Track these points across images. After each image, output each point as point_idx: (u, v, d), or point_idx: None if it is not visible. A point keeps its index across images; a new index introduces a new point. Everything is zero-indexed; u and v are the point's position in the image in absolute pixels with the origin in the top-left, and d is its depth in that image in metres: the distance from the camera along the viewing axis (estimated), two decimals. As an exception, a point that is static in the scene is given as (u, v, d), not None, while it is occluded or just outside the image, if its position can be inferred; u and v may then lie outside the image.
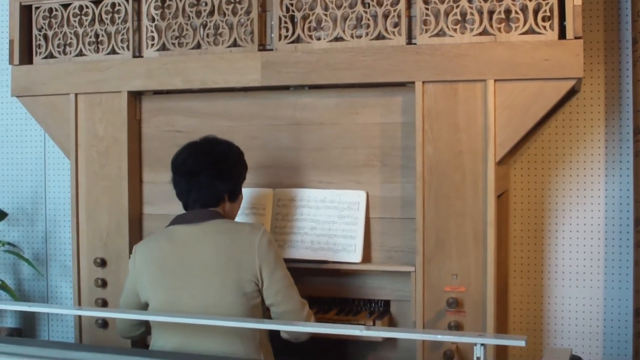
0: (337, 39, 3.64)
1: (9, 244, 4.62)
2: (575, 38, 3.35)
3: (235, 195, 3.39)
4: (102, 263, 3.99)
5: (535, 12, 3.41)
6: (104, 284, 3.99)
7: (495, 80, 3.42)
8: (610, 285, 4.02)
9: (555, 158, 4.07)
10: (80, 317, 4.04)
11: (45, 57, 4.10)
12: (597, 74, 4.01)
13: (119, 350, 3.05)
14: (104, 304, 3.98)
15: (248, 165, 3.47)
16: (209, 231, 3.20)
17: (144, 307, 3.28)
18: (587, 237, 4.04)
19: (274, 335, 3.29)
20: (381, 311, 3.67)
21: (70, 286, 4.81)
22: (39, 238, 4.90)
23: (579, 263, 4.06)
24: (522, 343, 2.58)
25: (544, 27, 3.40)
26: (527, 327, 4.12)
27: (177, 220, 3.29)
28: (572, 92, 3.64)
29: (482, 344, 2.55)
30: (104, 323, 3.98)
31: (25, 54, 4.13)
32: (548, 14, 3.40)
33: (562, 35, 3.39)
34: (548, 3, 3.39)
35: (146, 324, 3.38)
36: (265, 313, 3.24)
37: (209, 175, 3.27)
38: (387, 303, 3.68)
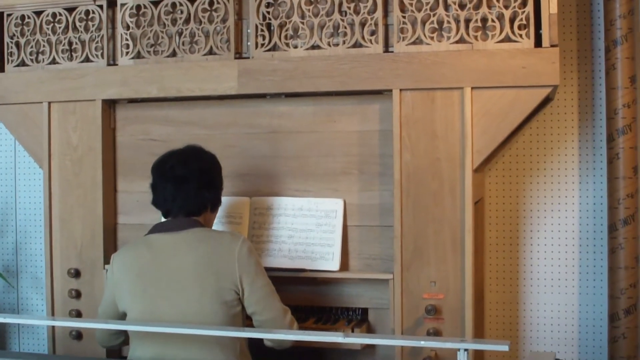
0: (314, 47, 3.65)
1: (-22, 255, 4.58)
2: (551, 46, 3.38)
3: (217, 205, 3.39)
4: (76, 273, 3.95)
5: (512, 21, 3.44)
6: (78, 294, 3.95)
7: (472, 88, 3.44)
8: (585, 291, 4.05)
9: (530, 165, 4.09)
10: (54, 328, 3.99)
11: (17, 65, 4.06)
12: (571, 82, 4.04)
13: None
14: (78, 314, 3.94)
15: (225, 174, 3.46)
16: (188, 240, 3.18)
17: (123, 316, 3.24)
18: (562, 243, 4.06)
19: (253, 343, 3.27)
20: (359, 319, 3.67)
21: (42, 298, 4.76)
22: (9, 249, 4.84)
23: (554, 269, 4.09)
24: (505, 348, 2.59)
25: (520, 35, 3.42)
26: (503, 333, 4.13)
27: (157, 229, 3.27)
28: (546, 100, 3.67)
29: (465, 349, 2.56)
30: (78, 334, 3.94)
31: (-3, 61, 4.10)
32: (524, 22, 3.42)
33: (538, 43, 3.42)
34: (524, 12, 3.42)
35: (125, 333, 3.34)
36: (245, 322, 3.23)
37: (198, 183, 3.26)
38: (364, 311, 3.67)
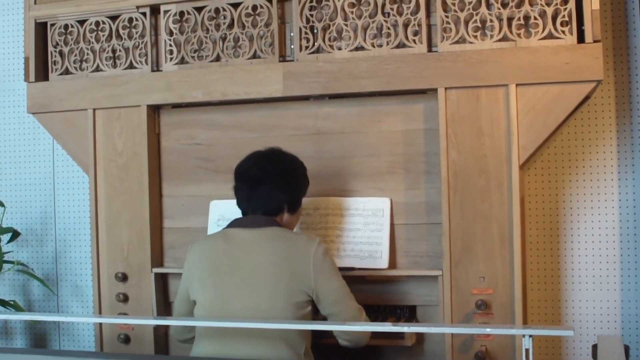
0: (358, 48, 3.69)
1: (20, 263, 4.59)
2: (594, 41, 3.42)
3: (294, 207, 3.41)
4: (124, 277, 3.98)
5: (554, 18, 3.48)
6: (125, 298, 3.98)
7: (517, 85, 3.48)
8: (627, 287, 4.07)
9: (569, 163, 4.12)
10: (101, 332, 4.02)
11: (62, 74, 4.11)
12: (607, 79, 4.07)
13: (145, 358, 3.06)
14: (125, 318, 3.97)
15: None
16: (265, 237, 3.22)
17: (194, 305, 3.29)
18: (603, 240, 4.09)
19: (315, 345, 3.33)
20: (407, 317, 3.70)
21: (83, 306, 4.80)
22: (48, 258, 4.88)
23: (595, 266, 4.11)
24: (570, 333, 2.61)
25: (563, 32, 3.47)
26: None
27: (235, 224, 3.31)
28: (585, 98, 3.71)
29: (530, 335, 2.59)
30: (126, 338, 3.97)
31: (41, 70, 4.15)
32: (566, 19, 3.47)
33: (580, 39, 3.46)
34: (566, 8, 3.47)
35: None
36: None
37: (271, 185, 3.30)
38: (412, 309, 3.70)
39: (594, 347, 2.60)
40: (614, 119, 4.10)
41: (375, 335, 3.53)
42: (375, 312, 3.73)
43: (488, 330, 2.71)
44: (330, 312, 3.22)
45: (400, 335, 3.58)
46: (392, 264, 3.68)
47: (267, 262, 3.16)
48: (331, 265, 3.25)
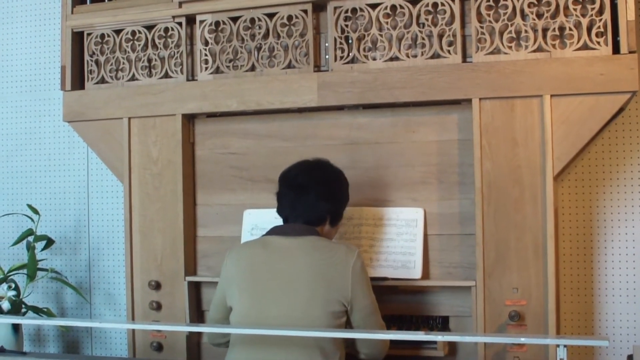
0: (393, 58, 3.70)
1: (54, 271, 4.63)
2: (630, 52, 3.41)
3: (336, 219, 3.43)
4: (157, 286, 4.01)
5: (589, 29, 3.48)
6: (158, 306, 4.01)
7: (551, 96, 3.47)
8: (661, 300, 4.05)
9: (603, 175, 4.10)
10: (134, 339, 4.04)
11: (97, 83, 4.16)
12: (641, 91, 4.06)
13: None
14: (158, 326, 3.99)
15: None
16: (304, 246, 3.23)
17: (230, 312, 3.30)
18: (637, 252, 4.06)
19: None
20: (440, 327, 3.69)
21: (116, 314, 4.82)
22: (82, 266, 4.91)
23: (629, 279, 4.07)
24: (605, 343, 2.62)
25: (598, 43, 3.46)
26: (579, 346, 4.11)
27: (274, 231, 3.33)
28: (619, 110, 3.70)
29: (564, 345, 2.58)
30: (159, 346, 3.99)
31: (77, 79, 4.19)
32: (601, 29, 3.46)
33: (615, 50, 3.45)
34: (601, 19, 3.46)
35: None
36: None
37: (318, 194, 3.32)
38: (445, 320, 3.70)
39: (629, 357, 2.59)
40: (648, 131, 4.08)
41: (407, 345, 3.54)
42: (407, 323, 3.74)
43: (522, 340, 2.71)
44: (357, 325, 3.23)
45: (432, 346, 3.58)
46: (425, 274, 3.68)
47: (305, 270, 3.17)
48: (367, 278, 3.27)
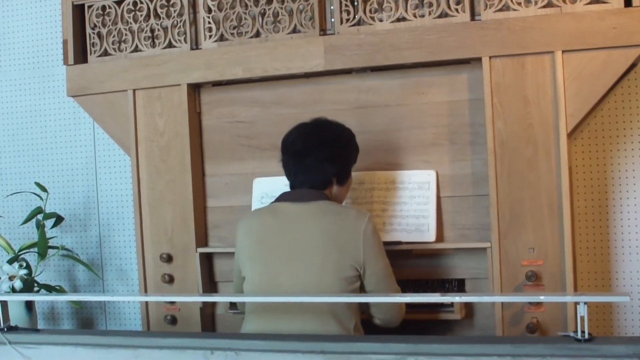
0: (400, 19, 3.64)
1: (65, 248, 4.59)
2: (642, 5, 3.35)
3: (343, 179, 3.35)
4: (168, 258, 3.97)
5: (600, -18, 3.41)
6: (171, 279, 3.97)
7: (563, 52, 3.41)
8: (679, 257, 4.00)
9: (617, 132, 4.04)
10: (147, 313, 4.02)
11: (100, 55, 4.10)
12: (656, 45, 3.99)
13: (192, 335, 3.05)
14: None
15: None
16: (314, 211, 3.17)
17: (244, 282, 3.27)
18: (653, 209, 4.02)
19: (365, 324, 3.30)
20: (455, 290, 3.65)
21: (128, 290, 4.79)
22: (93, 243, 4.88)
23: (645, 236, 4.04)
24: (626, 299, 2.57)
25: (609, -4, 3.40)
26: (596, 304, 4.08)
27: (283, 197, 3.28)
28: (632, 65, 3.63)
29: (585, 303, 2.53)
30: (173, 319, 3.96)
31: (80, 53, 4.13)
32: (613, -18, 3.39)
33: (627, 2, 3.39)
34: (612, -29, 3.39)
35: None
36: None
37: (317, 157, 3.24)
38: (461, 282, 3.66)
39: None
40: (662, 86, 4.02)
41: (423, 308, 3.51)
42: (423, 287, 3.69)
43: (542, 299, 2.66)
44: (371, 289, 3.19)
45: (449, 309, 3.54)
46: (439, 237, 3.64)
47: (315, 236, 3.12)
48: (379, 242, 3.22)
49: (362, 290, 3.20)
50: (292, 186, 3.31)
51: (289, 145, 3.31)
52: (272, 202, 3.30)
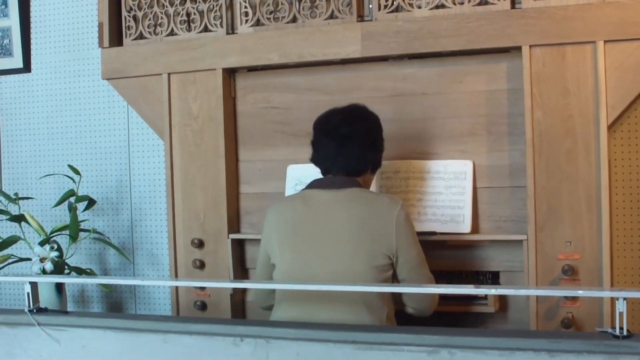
0: (439, 6, 3.59)
1: (96, 232, 4.59)
2: (687, -6, 3.28)
3: (377, 167, 3.33)
4: (200, 244, 3.95)
5: (644, -30, 3.34)
6: (202, 265, 3.95)
7: (604, 42, 3.35)
8: None
9: (657, 125, 3.98)
10: (177, 299, 4.00)
11: (135, 39, 4.08)
12: (700, 37, 3.90)
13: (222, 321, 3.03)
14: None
15: None
16: (345, 198, 3.13)
17: (273, 270, 3.24)
18: (692, 205, 3.94)
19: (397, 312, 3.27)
20: (490, 283, 3.60)
21: (159, 274, 4.77)
22: (124, 227, 4.87)
23: (685, 232, 3.96)
24: (666, 295, 2.50)
25: (653, -15, 3.33)
26: (634, 301, 4.00)
27: (314, 185, 3.23)
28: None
29: (624, 298, 2.48)
30: (203, 305, 3.95)
31: (115, 36, 4.12)
32: (657, -29, 3.32)
33: (673, -8, 3.33)
34: (657, -39, 3.32)
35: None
36: None
37: (362, 143, 3.21)
38: (495, 275, 3.61)
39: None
40: None
41: (457, 300, 3.47)
42: (457, 279, 3.65)
43: (580, 293, 2.61)
44: (404, 277, 3.14)
45: (483, 302, 3.50)
46: (475, 228, 3.59)
47: (347, 224, 3.08)
48: (412, 229, 3.18)
49: (394, 278, 3.16)
50: (325, 171, 3.26)
51: (332, 128, 3.24)
52: (303, 189, 3.26)
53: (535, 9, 3.43)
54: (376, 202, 3.15)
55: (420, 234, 3.40)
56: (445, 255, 3.61)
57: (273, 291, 3.32)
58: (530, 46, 3.43)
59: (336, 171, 3.22)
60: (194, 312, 3.97)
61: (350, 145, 3.19)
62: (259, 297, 3.43)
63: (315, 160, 3.30)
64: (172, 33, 4.02)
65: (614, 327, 2.48)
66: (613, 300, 2.48)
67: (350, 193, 3.14)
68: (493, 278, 3.61)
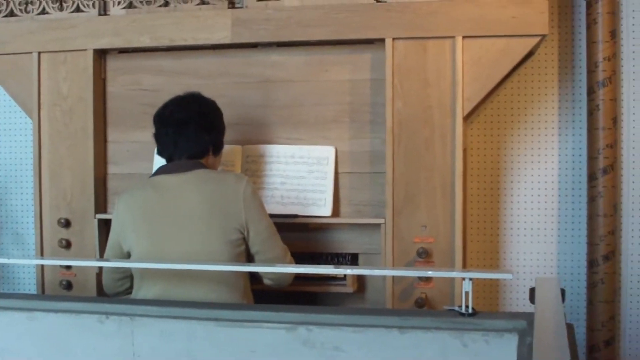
0: (315, -4, 3.70)
1: (-41, 210, 4.55)
2: (540, -4, 3.47)
3: (219, 149, 3.41)
4: (67, 223, 3.95)
5: (545, -29, 3.52)
6: (68, 244, 3.95)
7: (463, 37, 3.52)
8: (564, 240, 4.17)
9: (511, 118, 4.20)
10: (43, 278, 3.99)
11: (6, 16, 4.03)
12: (551, 36, 4.13)
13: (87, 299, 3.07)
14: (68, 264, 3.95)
15: None
16: (193, 180, 3.22)
17: (128, 257, 3.29)
18: (542, 193, 4.18)
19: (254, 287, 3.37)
20: (349, 264, 3.74)
21: (25, 254, 4.76)
22: (-12, 205, 4.84)
23: (534, 219, 4.20)
24: (509, 276, 2.69)
25: (510, -14, 3.51)
26: (484, 282, 4.23)
27: (161, 171, 3.30)
28: (529, 53, 3.76)
29: (470, 278, 2.65)
30: (68, 284, 3.95)
31: (-16, 13, 4.08)
32: (543, -27, 3.50)
33: (527, -6, 3.51)
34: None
35: (130, 280, 3.36)
36: (248, 261, 3.28)
37: (197, 126, 3.29)
38: (354, 257, 3.75)
39: (532, 290, 2.67)
40: (556, 75, 4.17)
41: (317, 281, 3.59)
42: (317, 260, 3.77)
43: (430, 274, 2.78)
44: (257, 249, 3.25)
45: (341, 282, 3.63)
46: (336, 212, 3.72)
47: (197, 204, 3.17)
48: (260, 203, 3.29)
49: (248, 252, 3.27)
50: (169, 158, 3.34)
51: (168, 116, 3.34)
52: (150, 177, 3.35)
53: (400, 3, 3.58)
54: (223, 180, 3.25)
55: (282, 216, 3.54)
56: (307, 238, 3.73)
57: (123, 277, 3.39)
58: (394, 39, 3.58)
59: (179, 156, 3.29)
60: (59, 291, 3.96)
61: (187, 129, 3.29)
62: (108, 283, 3.46)
63: (159, 151, 3.38)
64: (43, 12, 3.99)
65: (460, 306, 2.64)
66: (462, 280, 2.64)
67: (197, 174, 3.24)
68: (352, 260, 3.75)
